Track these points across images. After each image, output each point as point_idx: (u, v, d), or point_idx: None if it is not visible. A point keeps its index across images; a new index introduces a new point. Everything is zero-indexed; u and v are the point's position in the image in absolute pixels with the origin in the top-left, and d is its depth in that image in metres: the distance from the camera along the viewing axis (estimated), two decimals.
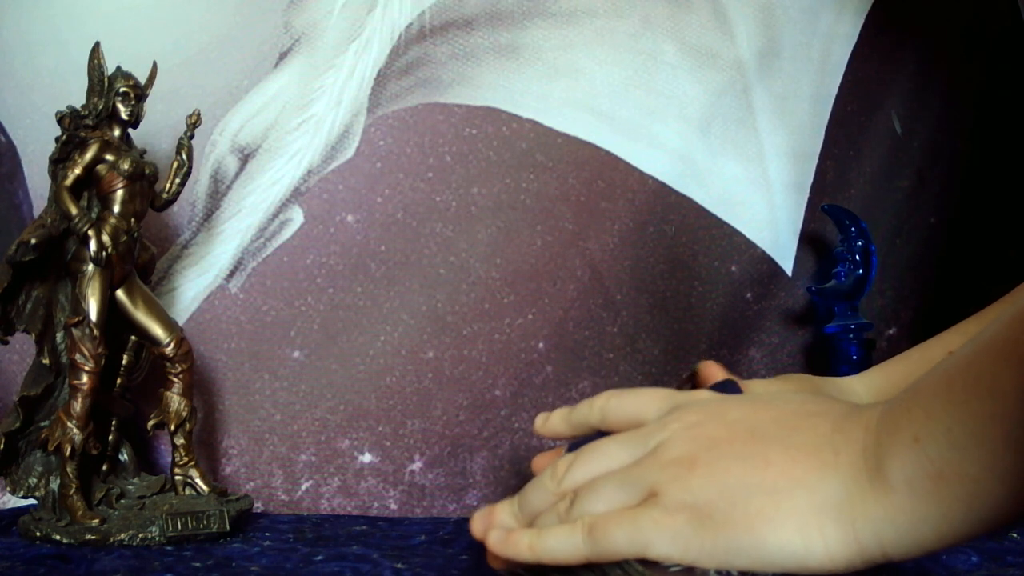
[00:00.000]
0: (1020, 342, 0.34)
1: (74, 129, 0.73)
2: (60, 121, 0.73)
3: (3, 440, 0.72)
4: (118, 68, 0.75)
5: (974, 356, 0.36)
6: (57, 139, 0.73)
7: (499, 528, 0.44)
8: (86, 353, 0.71)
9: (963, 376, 0.36)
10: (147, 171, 0.75)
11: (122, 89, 0.74)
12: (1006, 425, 0.34)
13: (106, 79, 0.74)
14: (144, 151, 0.76)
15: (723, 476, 0.39)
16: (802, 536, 0.37)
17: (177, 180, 0.78)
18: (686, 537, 0.39)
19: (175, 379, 0.75)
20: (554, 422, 0.51)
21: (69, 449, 0.70)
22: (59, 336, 0.75)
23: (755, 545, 0.38)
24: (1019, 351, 0.34)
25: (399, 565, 0.63)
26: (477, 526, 0.45)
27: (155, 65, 0.76)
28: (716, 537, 0.38)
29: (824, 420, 0.40)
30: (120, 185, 0.73)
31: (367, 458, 0.88)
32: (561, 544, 0.41)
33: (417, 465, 0.89)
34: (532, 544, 0.42)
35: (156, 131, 0.81)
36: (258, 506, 0.84)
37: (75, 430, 0.70)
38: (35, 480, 0.74)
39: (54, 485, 0.72)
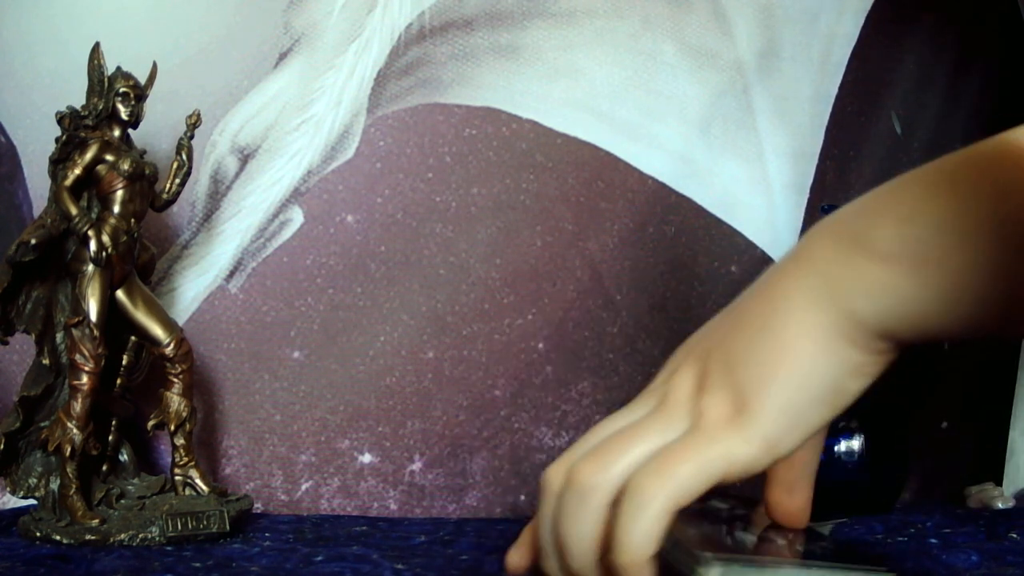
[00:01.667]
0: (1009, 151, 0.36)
1: (74, 129, 0.73)
2: (60, 121, 0.73)
3: (3, 440, 0.72)
4: (118, 68, 0.75)
5: (963, 160, 0.39)
6: (57, 139, 0.73)
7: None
8: (86, 353, 0.71)
9: (952, 176, 0.39)
10: (147, 171, 0.75)
11: (122, 89, 0.74)
12: (994, 224, 0.35)
13: (106, 79, 0.74)
14: (144, 151, 0.76)
15: (736, 365, 0.40)
16: (814, 344, 0.38)
17: (177, 180, 0.78)
18: (743, 436, 0.38)
19: (175, 379, 0.75)
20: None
21: (69, 449, 0.70)
22: (59, 336, 0.75)
23: (789, 384, 0.38)
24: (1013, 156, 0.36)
25: (399, 566, 0.63)
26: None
27: (155, 65, 0.76)
28: (762, 410, 0.38)
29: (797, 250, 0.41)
30: (120, 185, 0.73)
31: (367, 458, 0.88)
32: (638, 528, 0.37)
33: (417, 465, 0.89)
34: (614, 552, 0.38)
35: (156, 131, 0.81)
36: (258, 506, 0.84)
37: (75, 430, 0.70)
38: (35, 480, 0.74)
39: (54, 485, 0.72)
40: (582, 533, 0.39)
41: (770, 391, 0.39)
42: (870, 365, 0.39)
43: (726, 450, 0.38)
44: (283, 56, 0.89)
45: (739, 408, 0.39)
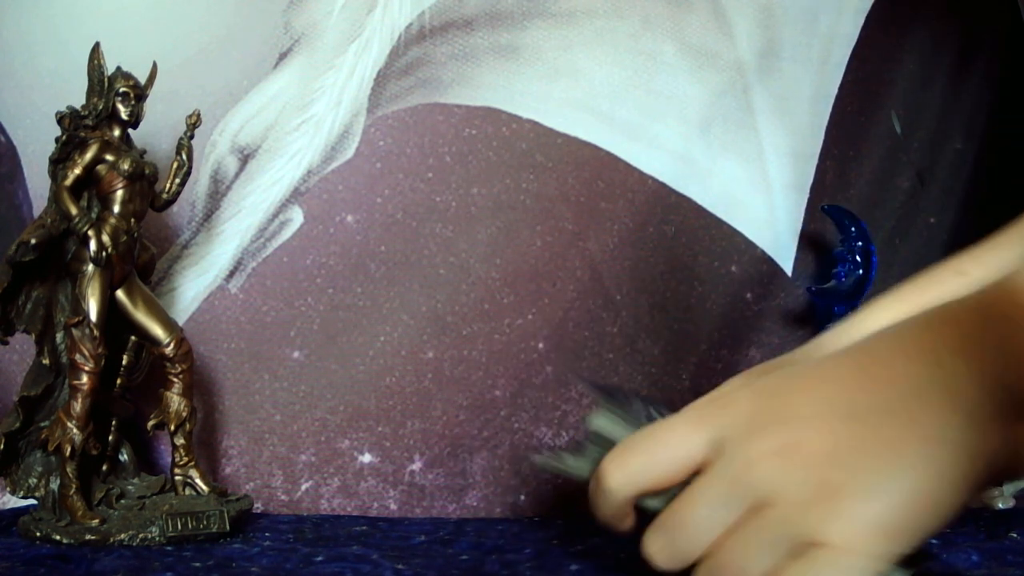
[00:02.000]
0: None
1: (74, 129, 0.73)
2: (60, 121, 0.73)
3: (3, 440, 0.72)
4: (118, 68, 0.75)
5: None
6: (57, 139, 0.73)
7: None
8: (86, 353, 0.71)
9: None
10: (147, 171, 0.75)
11: (122, 89, 0.74)
12: None
13: (106, 79, 0.74)
14: (144, 151, 0.76)
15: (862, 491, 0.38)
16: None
17: (177, 180, 0.78)
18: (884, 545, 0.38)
19: (175, 379, 0.75)
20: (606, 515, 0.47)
21: (69, 449, 0.70)
22: (59, 336, 0.75)
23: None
24: None
25: (399, 565, 0.63)
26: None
27: (155, 65, 0.76)
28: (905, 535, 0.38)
29: (908, 365, 0.40)
30: (120, 185, 0.73)
31: (367, 458, 0.88)
32: None
33: (417, 465, 0.89)
34: None
35: (156, 131, 0.81)
36: (258, 506, 0.84)
37: (75, 430, 0.70)
38: (35, 480, 0.74)
39: (54, 485, 0.72)
40: None
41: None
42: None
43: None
44: (283, 56, 0.89)
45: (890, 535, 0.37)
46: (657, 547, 0.43)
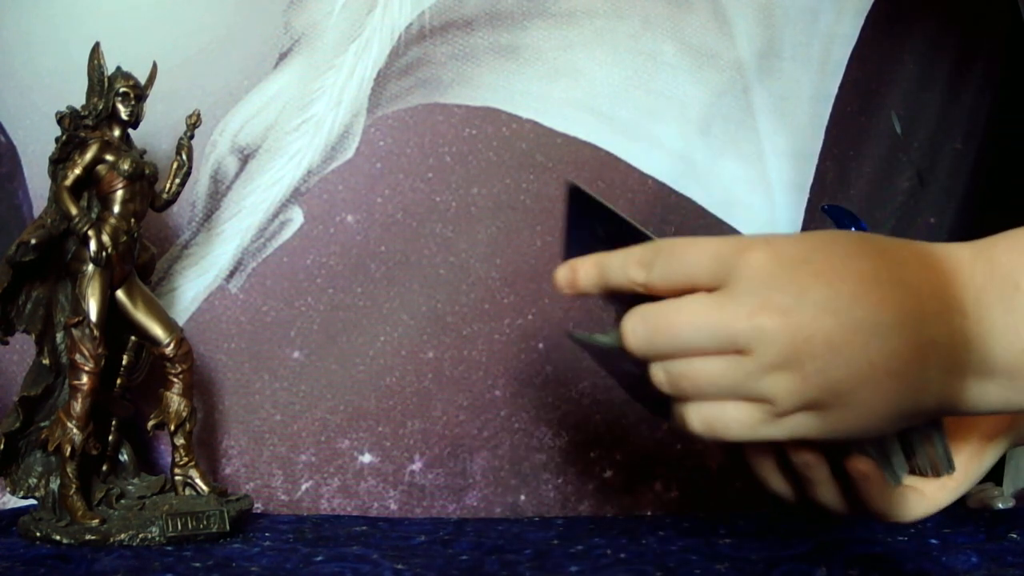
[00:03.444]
0: None
1: (74, 129, 0.73)
2: (60, 121, 0.73)
3: (3, 440, 0.72)
4: (118, 68, 0.75)
5: None
6: (57, 139, 0.73)
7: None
8: (86, 353, 0.71)
9: None
10: (147, 171, 0.75)
11: (122, 89, 0.74)
12: None
13: (106, 79, 0.74)
14: (144, 151, 0.76)
15: (836, 372, 0.42)
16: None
17: (177, 180, 0.78)
18: (808, 428, 0.43)
19: (175, 379, 0.75)
20: (585, 276, 0.52)
21: (69, 449, 0.70)
22: (59, 336, 0.75)
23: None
24: None
25: (399, 566, 0.63)
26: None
27: (155, 65, 0.77)
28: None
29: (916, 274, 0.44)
30: (120, 185, 0.73)
31: (367, 458, 0.88)
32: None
33: (417, 465, 0.89)
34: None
35: (156, 131, 0.81)
36: (258, 506, 0.84)
37: (75, 430, 0.70)
38: (35, 480, 0.74)
39: (54, 485, 0.72)
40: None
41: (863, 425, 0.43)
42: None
43: (785, 433, 0.44)
44: (283, 56, 0.89)
45: (823, 407, 0.43)
46: (634, 331, 0.47)
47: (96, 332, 0.72)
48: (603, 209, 0.53)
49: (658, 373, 0.45)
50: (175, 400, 0.75)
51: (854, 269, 0.44)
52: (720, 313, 0.44)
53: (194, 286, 0.88)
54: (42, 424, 0.74)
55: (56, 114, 0.73)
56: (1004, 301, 0.43)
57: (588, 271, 0.53)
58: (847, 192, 1.01)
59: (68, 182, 0.72)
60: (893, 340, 0.42)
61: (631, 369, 0.49)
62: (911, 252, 0.46)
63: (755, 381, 0.43)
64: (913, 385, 0.42)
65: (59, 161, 0.74)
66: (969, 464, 0.53)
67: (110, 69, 0.74)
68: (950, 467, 0.49)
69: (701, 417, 0.44)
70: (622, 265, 0.50)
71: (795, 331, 0.42)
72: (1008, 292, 0.43)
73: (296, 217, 0.89)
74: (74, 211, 0.71)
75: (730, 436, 0.44)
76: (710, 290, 0.45)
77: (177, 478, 0.75)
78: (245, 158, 0.89)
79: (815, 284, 0.43)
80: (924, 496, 0.52)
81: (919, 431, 0.47)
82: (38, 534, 0.70)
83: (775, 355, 0.42)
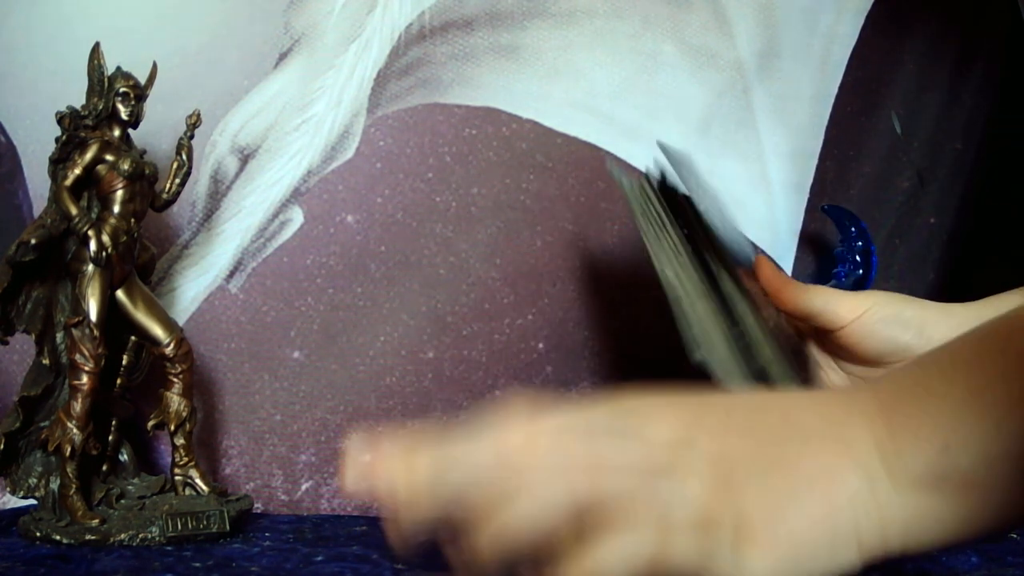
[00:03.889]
0: None
1: (74, 129, 0.73)
2: (60, 121, 0.73)
3: (3, 440, 0.72)
4: (118, 68, 0.75)
5: (992, 358, 0.36)
6: (57, 139, 0.73)
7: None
8: (86, 353, 0.71)
9: (995, 386, 0.35)
10: (147, 171, 0.75)
11: (122, 89, 0.74)
12: None
13: (106, 79, 0.74)
14: (144, 151, 0.76)
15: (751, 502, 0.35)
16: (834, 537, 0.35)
17: (177, 180, 0.78)
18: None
19: (175, 379, 0.75)
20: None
21: (69, 449, 0.70)
22: (59, 336, 0.75)
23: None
24: None
25: (399, 565, 0.63)
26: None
27: (155, 65, 0.76)
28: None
29: (817, 417, 0.38)
30: (120, 185, 0.73)
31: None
32: None
33: None
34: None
35: (156, 131, 0.81)
36: (258, 506, 0.84)
37: (75, 430, 0.70)
38: (35, 480, 0.74)
39: (54, 485, 0.72)
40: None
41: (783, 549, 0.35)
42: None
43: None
44: (283, 56, 0.89)
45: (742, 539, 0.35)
46: None
47: (96, 332, 0.71)
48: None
49: None
50: (175, 400, 0.75)
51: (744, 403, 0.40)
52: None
53: (194, 286, 0.87)
54: (42, 424, 0.74)
55: (56, 114, 0.73)
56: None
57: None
58: (847, 192, 1.01)
59: (68, 182, 0.72)
60: (815, 447, 0.36)
61: None
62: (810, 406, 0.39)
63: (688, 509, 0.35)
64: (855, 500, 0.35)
65: (59, 161, 0.73)
66: None
67: (110, 69, 0.74)
68: None
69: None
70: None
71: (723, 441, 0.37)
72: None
73: (296, 217, 0.89)
74: (74, 211, 0.71)
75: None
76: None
77: (177, 478, 0.75)
78: (245, 158, 0.89)
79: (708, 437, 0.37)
80: None
81: None
82: (38, 534, 0.70)
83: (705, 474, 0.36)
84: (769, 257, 0.49)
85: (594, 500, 0.35)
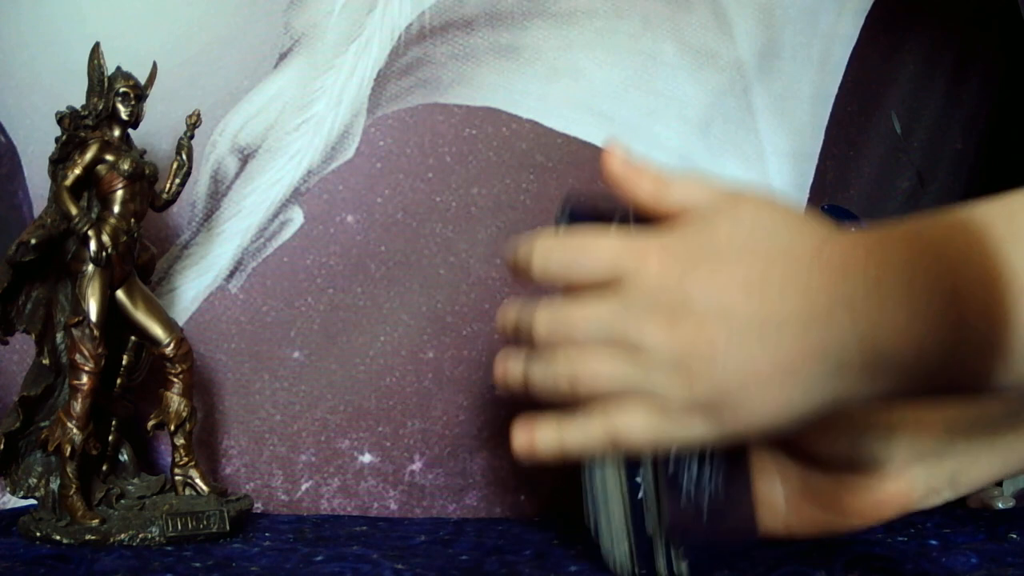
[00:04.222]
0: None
1: (74, 129, 0.73)
2: (60, 121, 0.73)
3: (3, 440, 0.72)
4: (118, 68, 0.75)
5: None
6: (57, 139, 0.73)
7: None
8: (86, 353, 0.71)
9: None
10: (147, 171, 0.75)
11: (122, 89, 0.74)
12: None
13: (106, 79, 0.74)
14: (144, 151, 0.76)
15: (722, 374, 0.44)
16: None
17: (177, 180, 0.78)
18: (705, 430, 0.46)
19: (175, 379, 0.75)
20: (515, 260, 0.52)
21: (69, 449, 0.70)
22: (59, 336, 0.75)
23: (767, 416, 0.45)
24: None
25: (399, 565, 0.63)
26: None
27: (155, 65, 0.76)
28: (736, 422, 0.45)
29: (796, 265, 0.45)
30: (120, 185, 0.73)
31: (367, 458, 0.88)
32: (584, 443, 0.50)
33: (417, 465, 0.89)
34: (559, 444, 0.52)
35: (156, 131, 0.81)
36: (258, 506, 0.84)
37: (75, 430, 0.70)
38: (35, 480, 0.74)
39: (54, 485, 0.72)
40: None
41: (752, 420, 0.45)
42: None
43: (685, 436, 0.47)
44: (283, 56, 0.89)
45: (714, 408, 0.45)
46: (541, 321, 0.51)
47: (96, 332, 0.72)
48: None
49: (558, 371, 0.49)
50: (175, 400, 0.75)
51: (742, 273, 0.45)
52: (612, 317, 0.47)
53: (194, 286, 0.88)
54: (42, 424, 0.74)
55: (56, 114, 0.73)
56: (912, 294, 0.42)
57: (517, 256, 0.53)
58: (847, 192, 1.01)
59: (68, 182, 0.72)
60: (778, 341, 0.43)
61: None
62: (809, 249, 0.45)
63: (647, 379, 0.46)
64: (803, 384, 0.43)
65: (59, 161, 0.73)
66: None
67: (110, 69, 0.74)
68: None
69: (604, 425, 0.48)
70: (523, 256, 0.52)
71: (680, 337, 0.45)
72: (892, 288, 0.42)
73: (296, 217, 0.89)
74: (74, 211, 0.71)
75: (632, 441, 0.47)
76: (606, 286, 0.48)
77: (177, 478, 0.75)
78: (245, 158, 0.89)
79: (701, 291, 0.45)
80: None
81: None
82: (38, 534, 0.70)
83: (663, 360, 0.45)
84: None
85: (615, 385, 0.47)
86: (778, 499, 0.57)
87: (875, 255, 0.44)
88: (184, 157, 0.78)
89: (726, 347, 0.44)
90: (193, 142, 0.79)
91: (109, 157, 0.73)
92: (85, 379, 0.71)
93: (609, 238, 0.49)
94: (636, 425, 0.46)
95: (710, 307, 0.44)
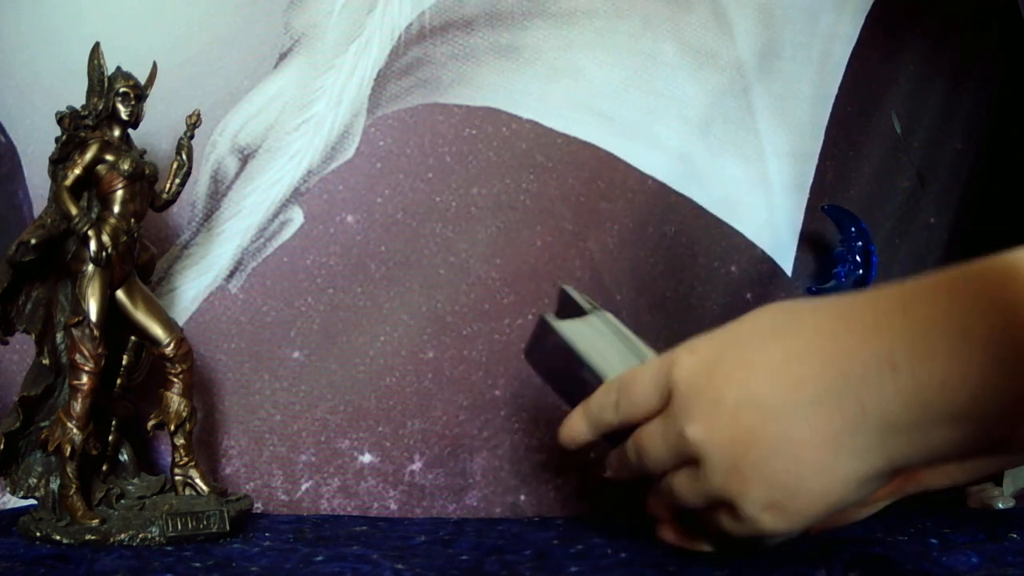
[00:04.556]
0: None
1: (74, 129, 0.73)
2: (60, 121, 0.73)
3: (3, 440, 0.72)
4: (118, 68, 0.75)
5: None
6: (57, 139, 0.73)
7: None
8: (86, 353, 0.71)
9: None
10: (147, 171, 0.75)
11: (122, 89, 0.74)
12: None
13: (106, 79, 0.74)
14: (144, 151, 0.76)
15: (771, 466, 0.45)
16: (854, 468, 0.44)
17: (177, 180, 0.78)
18: (780, 524, 0.46)
19: (175, 379, 0.75)
20: (578, 432, 0.59)
21: (69, 449, 0.70)
22: (59, 336, 0.75)
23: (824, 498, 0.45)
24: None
25: (399, 565, 0.63)
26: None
27: (155, 65, 0.76)
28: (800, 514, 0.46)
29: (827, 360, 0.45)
30: (120, 185, 0.73)
31: (367, 458, 0.88)
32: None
33: (417, 465, 0.89)
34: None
35: (156, 131, 0.81)
36: (258, 506, 0.84)
37: (75, 430, 0.70)
38: (35, 480, 0.74)
39: (54, 485, 0.72)
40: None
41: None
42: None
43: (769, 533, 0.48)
44: (283, 56, 0.89)
45: (777, 503, 0.46)
46: (612, 466, 0.57)
47: (96, 332, 0.71)
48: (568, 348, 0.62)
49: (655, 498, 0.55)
50: (175, 400, 0.75)
51: (765, 357, 0.45)
52: (664, 435, 0.49)
53: (194, 286, 0.88)
54: (42, 424, 0.74)
55: (56, 114, 0.73)
56: (951, 345, 0.41)
57: (580, 427, 0.59)
58: (847, 192, 1.01)
59: (68, 182, 0.72)
60: (816, 416, 0.42)
61: (588, 378, 0.59)
62: (832, 313, 0.45)
63: (713, 489, 0.47)
64: (856, 453, 0.42)
65: (59, 161, 0.73)
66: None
67: (110, 69, 0.74)
68: None
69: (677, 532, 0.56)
70: (599, 412, 0.56)
71: (721, 435, 0.45)
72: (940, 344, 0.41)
73: (296, 217, 0.89)
74: (74, 211, 0.71)
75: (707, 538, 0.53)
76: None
77: (177, 478, 0.75)
78: (245, 158, 0.89)
79: (729, 384, 0.45)
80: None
81: None
82: (38, 534, 0.70)
83: (720, 463, 0.46)
84: None
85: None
86: None
87: (915, 310, 0.42)
88: (184, 157, 0.78)
89: (764, 435, 0.43)
90: (193, 142, 0.79)
91: (109, 157, 0.73)
92: (85, 379, 0.71)
93: (649, 367, 0.52)
94: (728, 528, 0.48)
95: (741, 398, 0.44)
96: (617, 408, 0.53)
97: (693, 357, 0.48)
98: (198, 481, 0.75)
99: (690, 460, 0.47)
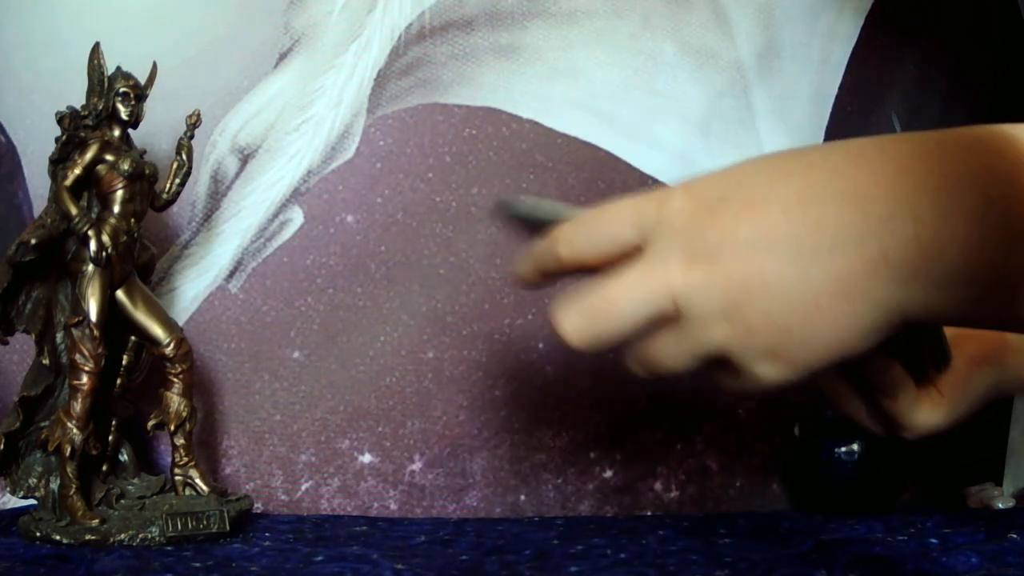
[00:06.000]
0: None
1: (74, 129, 0.73)
2: (60, 121, 0.73)
3: (3, 440, 0.72)
4: (118, 68, 0.75)
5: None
6: (57, 139, 0.73)
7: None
8: (86, 353, 0.71)
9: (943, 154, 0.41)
10: (147, 171, 0.75)
11: (122, 89, 0.74)
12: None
13: (106, 79, 0.74)
14: (144, 151, 0.76)
15: (780, 309, 0.40)
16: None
17: (177, 180, 0.78)
18: (780, 372, 0.42)
19: (175, 379, 0.75)
20: (525, 271, 0.51)
21: (69, 449, 0.70)
22: (59, 336, 0.75)
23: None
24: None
25: (399, 565, 0.63)
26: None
27: (155, 65, 0.76)
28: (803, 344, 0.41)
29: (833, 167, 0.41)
30: (120, 185, 0.73)
31: (367, 458, 0.88)
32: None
33: (417, 465, 0.89)
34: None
35: (156, 131, 0.81)
36: (258, 506, 0.84)
37: (75, 430, 0.70)
38: (35, 480, 0.74)
39: (54, 485, 0.72)
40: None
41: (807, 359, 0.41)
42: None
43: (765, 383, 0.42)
44: (283, 56, 0.89)
45: (780, 350, 0.41)
46: (574, 326, 0.44)
47: (96, 332, 0.71)
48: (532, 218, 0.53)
49: (633, 366, 0.45)
50: (175, 400, 0.75)
51: (779, 196, 0.41)
52: (650, 277, 0.42)
53: (194, 286, 0.88)
54: (42, 424, 0.74)
55: (56, 114, 0.73)
56: (972, 203, 0.39)
57: (525, 267, 0.51)
58: None
59: (68, 182, 0.72)
60: (835, 260, 0.39)
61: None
62: (848, 156, 0.41)
63: (707, 342, 0.41)
64: (871, 301, 0.39)
65: (59, 161, 0.73)
66: (955, 389, 0.51)
67: (110, 69, 0.74)
68: (947, 359, 0.49)
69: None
70: (548, 248, 0.47)
71: (725, 278, 0.40)
72: (967, 199, 0.39)
73: (296, 217, 0.89)
74: (74, 211, 0.71)
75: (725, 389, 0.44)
76: (638, 250, 0.43)
77: (177, 478, 0.75)
78: (245, 158, 0.89)
79: (737, 223, 0.41)
80: (924, 410, 0.51)
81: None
82: (38, 534, 0.70)
83: (715, 309, 0.41)
84: None
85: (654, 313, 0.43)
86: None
87: (935, 162, 0.40)
88: (184, 157, 0.78)
89: (777, 279, 0.39)
90: (193, 142, 0.79)
91: (109, 157, 0.73)
92: (85, 379, 0.71)
93: (627, 200, 0.45)
94: (725, 384, 0.43)
95: (751, 236, 0.40)
96: (572, 242, 0.46)
97: (689, 193, 0.43)
98: (198, 481, 0.75)
99: (672, 316, 0.42)
